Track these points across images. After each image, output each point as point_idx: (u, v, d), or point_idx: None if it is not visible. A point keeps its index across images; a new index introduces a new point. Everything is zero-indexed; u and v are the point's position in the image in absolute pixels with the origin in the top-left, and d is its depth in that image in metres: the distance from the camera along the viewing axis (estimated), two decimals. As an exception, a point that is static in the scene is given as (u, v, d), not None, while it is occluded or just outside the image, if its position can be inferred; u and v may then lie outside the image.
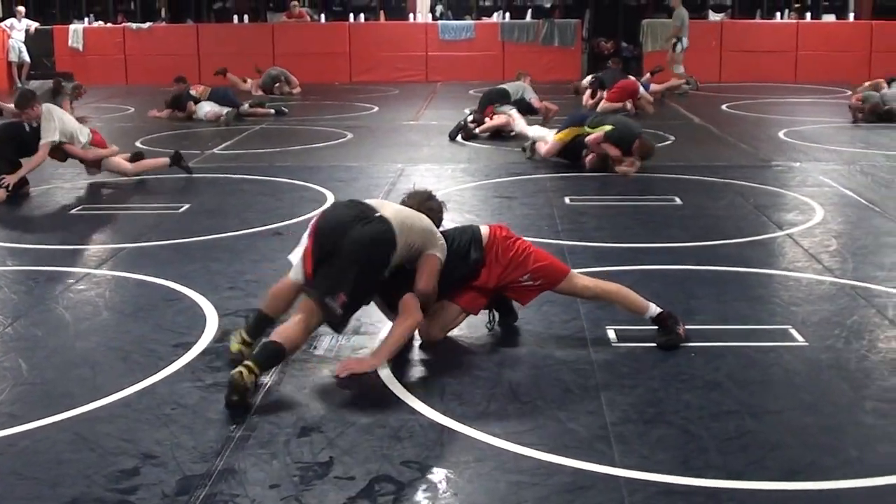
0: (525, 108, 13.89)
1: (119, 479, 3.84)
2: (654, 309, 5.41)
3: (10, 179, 9.45)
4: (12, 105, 15.53)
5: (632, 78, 16.85)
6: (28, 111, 9.70)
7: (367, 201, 5.31)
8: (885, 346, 5.34)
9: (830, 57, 21.76)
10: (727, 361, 5.11)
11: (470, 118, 13.75)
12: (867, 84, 15.76)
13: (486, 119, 13.61)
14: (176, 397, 4.67)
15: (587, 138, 10.71)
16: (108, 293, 6.56)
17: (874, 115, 14.56)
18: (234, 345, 5.12)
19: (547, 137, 11.38)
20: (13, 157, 9.64)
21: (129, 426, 4.35)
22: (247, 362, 4.62)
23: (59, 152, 9.88)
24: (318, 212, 5.33)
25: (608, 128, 10.65)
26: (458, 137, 13.18)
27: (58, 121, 9.76)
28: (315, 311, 4.93)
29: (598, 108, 15.44)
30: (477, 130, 13.27)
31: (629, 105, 15.81)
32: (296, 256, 5.19)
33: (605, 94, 16.22)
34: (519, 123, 12.45)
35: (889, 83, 15.36)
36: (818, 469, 3.94)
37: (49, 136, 9.64)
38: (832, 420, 4.42)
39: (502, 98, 13.99)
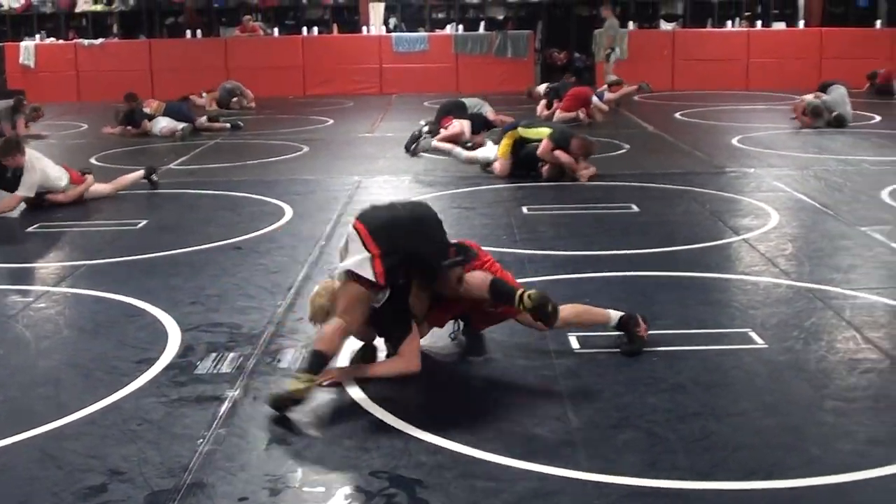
0: (482, 124, 13.87)
1: (87, 496, 3.82)
2: (615, 315, 5.46)
3: None
4: None
5: (586, 87, 17.01)
6: (9, 159, 9.63)
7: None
8: (843, 347, 5.42)
9: (781, 64, 22.01)
10: (690, 365, 5.17)
11: (426, 129, 13.76)
12: (810, 96, 15.91)
13: (442, 130, 13.61)
14: (141, 413, 4.65)
15: (539, 150, 10.78)
16: (67, 311, 6.52)
17: (822, 121, 14.78)
18: (297, 384, 4.65)
19: (491, 156, 11.42)
20: None
21: (95, 443, 4.33)
22: (295, 374, 4.68)
23: (35, 198, 9.85)
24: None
25: (547, 130, 10.80)
26: (413, 148, 13.16)
27: (39, 173, 9.74)
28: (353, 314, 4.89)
29: (555, 118, 15.54)
30: (434, 142, 13.21)
31: (581, 114, 15.91)
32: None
33: (559, 103, 16.35)
34: (464, 154, 12.09)
35: (825, 89, 15.61)
36: (781, 468, 4.00)
37: (25, 190, 9.67)
38: (793, 420, 4.50)
39: (459, 110, 13.99)
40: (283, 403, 4.56)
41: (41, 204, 9.87)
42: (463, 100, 14.30)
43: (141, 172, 10.77)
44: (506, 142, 11.19)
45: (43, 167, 9.87)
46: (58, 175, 10.04)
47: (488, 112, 14.19)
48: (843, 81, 15.89)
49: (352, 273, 4.86)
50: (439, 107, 14.49)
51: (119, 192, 10.50)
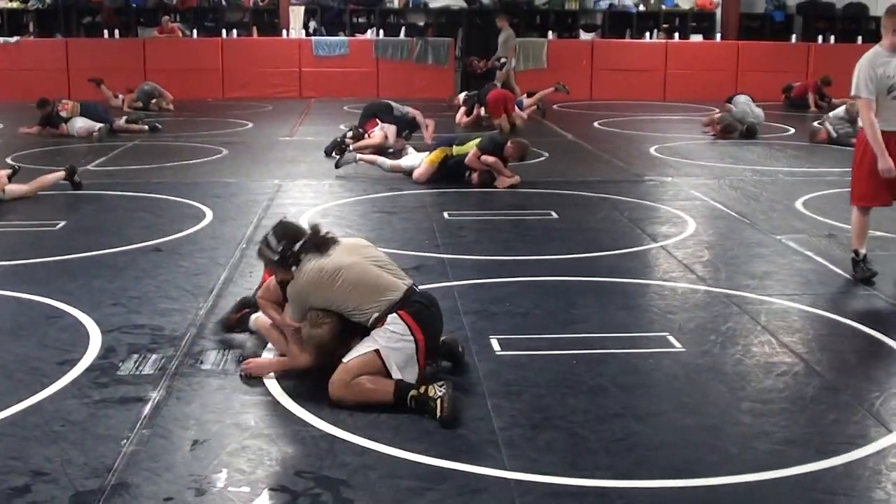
0: (406, 125, 13.96)
1: (10, 497, 3.79)
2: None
3: None
4: None
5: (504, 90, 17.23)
6: None
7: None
8: (759, 350, 5.57)
9: (699, 76, 22.39)
10: (609, 367, 5.27)
11: (349, 134, 13.78)
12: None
13: (367, 134, 13.63)
14: (63, 414, 4.61)
15: (466, 159, 10.88)
16: (-15, 311, 6.42)
17: (736, 133, 15.14)
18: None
19: (415, 164, 11.48)
20: None
21: (17, 444, 4.28)
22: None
23: None
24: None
25: (476, 141, 10.92)
26: (334, 153, 13.15)
27: None
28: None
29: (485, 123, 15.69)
30: (352, 147, 13.17)
31: (504, 122, 15.98)
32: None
33: (481, 110, 16.46)
34: (388, 163, 12.10)
35: (730, 101, 16.00)
36: (701, 466, 4.11)
37: None
38: (712, 420, 4.61)
39: (385, 112, 14.02)
40: None
41: None
42: (389, 102, 14.32)
43: (61, 173, 10.61)
44: (438, 153, 11.24)
45: None
46: None
47: (414, 114, 14.22)
48: (743, 92, 16.39)
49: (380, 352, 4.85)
50: (365, 107, 14.49)
51: (38, 193, 10.34)
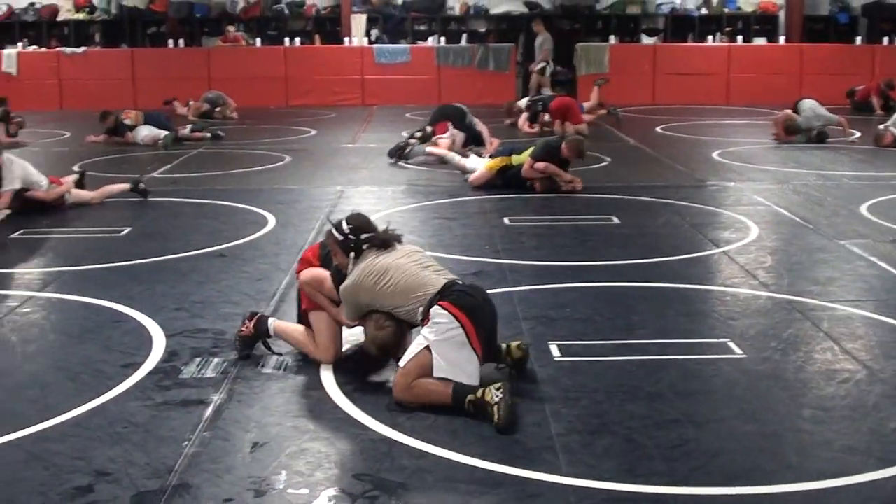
0: (473, 139, 13.86)
1: (74, 497, 3.86)
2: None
3: None
4: None
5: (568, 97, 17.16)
6: None
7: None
8: (821, 357, 5.50)
9: (762, 79, 22.16)
10: (668, 373, 5.24)
11: (417, 133, 13.82)
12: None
13: (435, 138, 13.62)
14: (127, 416, 4.69)
15: (522, 171, 10.86)
16: (53, 316, 6.55)
17: (803, 137, 14.95)
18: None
19: (477, 166, 11.53)
20: None
21: (81, 444, 4.37)
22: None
23: (18, 200, 9.91)
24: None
25: (529, 150, 10.91)
26: (407, 153, 13.23)
27: (20, 169, 9.90)
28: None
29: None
30: (427, 148, 13.22)
31: (559, 130, 15.65)
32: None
33: (545, 116, 16.39)
34: (457, 159, 12.26)
35: (796, 108, 15.73)
36: (759, 474, 4.07)
37: (10, 184, 9.79)
38: (771, 427, 4.57)
39: (458, 118, 13.97)
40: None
41: (25, 202, 9.95)
42: (464, 109, 14.25)
43: (126, 186, 10.78)
44: (496, 162, 11.25)
45: (22, 164, 10.02)
46: (38, 176, 10.15)
47: (482, 129, 14.14)
48: (809, 96, 16.17)
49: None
50: (438, 109, 14.40)
51: (104, 201, 10.53)
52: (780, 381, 5.15)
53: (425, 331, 4.92)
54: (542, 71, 21.25)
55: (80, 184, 10.73)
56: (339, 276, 5.30)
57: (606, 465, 4.15)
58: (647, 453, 4.27)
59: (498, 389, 4.61)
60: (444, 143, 13.49)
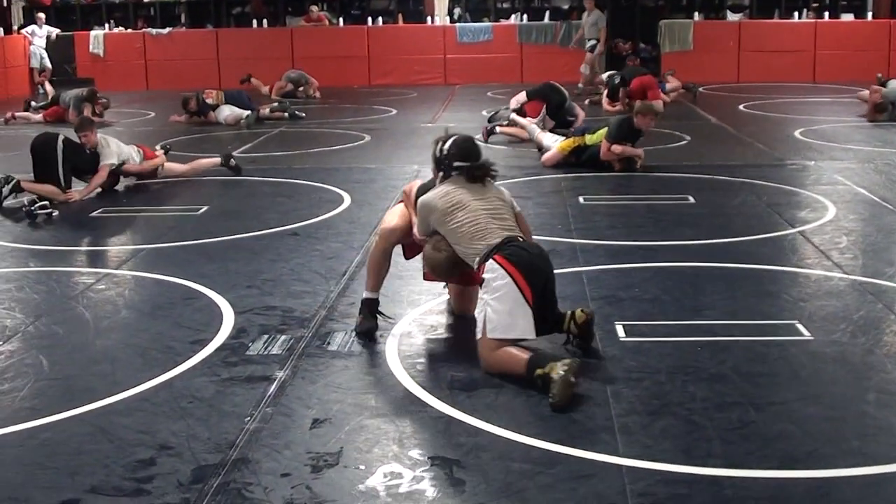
0: (563, 122, 13.57)
1: (136, 469, 3.96)
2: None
3: (77, 196, 9.81)
4: (39, 116, 16.24)
5: (650, 75, 16.90)
6: (86, 135, 10.08)
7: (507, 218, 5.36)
8: (891, 340, 5.42)
9: (849, 56, 21.72)
10: (733, 355, 5.19)
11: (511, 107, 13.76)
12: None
13: (524, 110, 13.47)
14: (192, 391, 4.79)
15: (601, 155, 10.79)
16: (127, 292, 6.70)
17: (886, 115, 14.61)
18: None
19: (551, 144, 11.49)
20: (68, 174, 9.90)
21: (146, 419, 4.47)
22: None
23: (112, 176, 10.27)
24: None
25: (602, 131, 10.86)
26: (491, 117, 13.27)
27: (115, 146, 10.26)
28: None
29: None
30: (513, 115, 13.22)
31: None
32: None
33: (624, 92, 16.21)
34: (537, 132, 12.29)
35: (884, 84, 15.34)
36: (818, 458, 4.02)
37: (109, 159, 10.09)
38: (834, 411, 4.50)
39: (557, 105, 13.61)
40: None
41: (120, 175, 10.37)
42: (565, 95, 13.90)
43: (217, 160, 11.09)
44: (570, 141, 11.20)
45: (116, 142, 10.40)
46: (130, 150, 10.53)
47: (579, 115, 13.89)
48: None
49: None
50: (541, 87, 13.97)
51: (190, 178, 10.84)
52: (846, 364, 5.07)
53: (484, 292, 5.07)
54: (593, 48, 20.69)
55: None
56: (422, 189, 5.54)
57: (663, 446, 4.13)
58: (705, 435, 4.24)
59: (564, 366, 4.61)
60: (530, 126, 13.39)
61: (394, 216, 5.74)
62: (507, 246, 5.08)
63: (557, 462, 4.01)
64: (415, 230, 5.53)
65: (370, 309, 5.67)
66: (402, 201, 5.83)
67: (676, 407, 4.54)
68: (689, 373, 4.95)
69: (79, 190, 9.89)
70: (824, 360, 5.13)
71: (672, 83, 18.10)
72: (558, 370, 4.60)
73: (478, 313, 5.19)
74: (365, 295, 5.70)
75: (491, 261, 5.02)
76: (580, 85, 19.71)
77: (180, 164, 11.07)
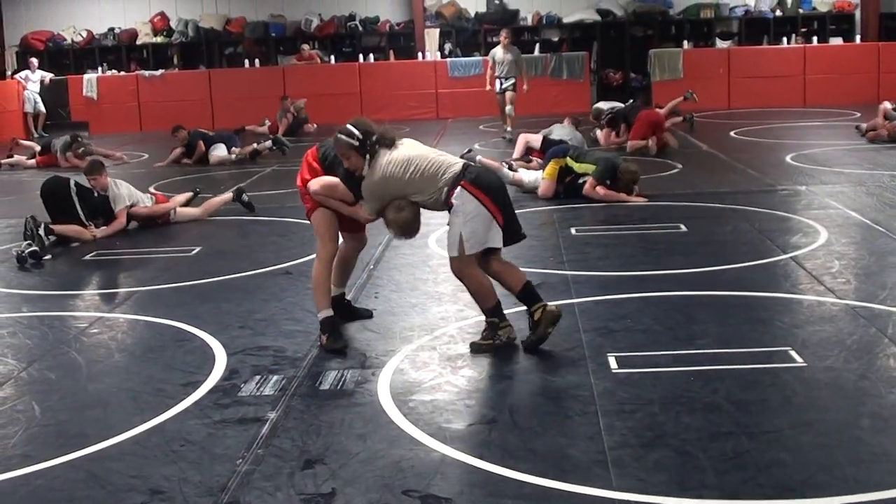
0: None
1: (127, 515, 3.95)
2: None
3: (100, 234, 10.00)
4: (33, 161, 16.35)
5: (656, 109, 16.64)
6: (96, 179, 10.24)
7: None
8: (884, 364, 5.40)
9: (839, 80, 21.82)
10: (726, 384, 5.18)
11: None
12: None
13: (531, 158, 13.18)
14: (184, 434, 4.78)
15: (584, 190, 10.82)
16: (120, 336, 6.69)
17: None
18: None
19: (537, 179, 11.47)
20: (82, 216, 10.02)
21: (138, 463, 4.46)
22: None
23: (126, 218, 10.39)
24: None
25: (591, 168, 10.85)
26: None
27: (125, 188, 10.43)
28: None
29: (628, 147, 15.00)
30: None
31: (651, 143, 14.98)
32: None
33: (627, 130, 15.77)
34: (510, 175, 11.82)
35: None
36: (813, 486, 4.01)
37: (122, 202, 10.27)
38: (828, 438, 4.49)
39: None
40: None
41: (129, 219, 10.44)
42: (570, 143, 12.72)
43: (229, 196, 11.22)
44: (553, 166, 11.23)
45: (126, 184, 10.56)
46: (141, 195, 10.66)
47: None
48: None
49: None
50: (555, 145, 12.59)
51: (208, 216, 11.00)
52: (839, 390, 5.06)
53: (455, 217, 5.74)
54: (514, 87, 18.24)
55: (188, 203, 11.25)
56: (351, 178, 5.96)
57: (657, 479, 4.11)
58: (699, 466, 4.23)
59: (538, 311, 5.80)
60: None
61: (322, 229, 6.25)
62: (468, 172, 5.78)
63: (550, 497, 3.99)
64: (363, 215, 6.05)
65: (332, 326, 6.08)
66: (308, 175, 6.28)
67: (670, 438, 4.53)
68: (683, 403, 4.94)
69: (101, 229, 10.05)
70: (818, 387, 5.13)
71: (661, 110, 17.95)
72: (542, 314, 5.78)
73: (447, 234, 5.87)
74: (323, 315, 6.11)
75: (459, 188, 5.69)
76: (509, 129, 17.85)
77: (194, 207, 11.17)
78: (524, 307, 5.93)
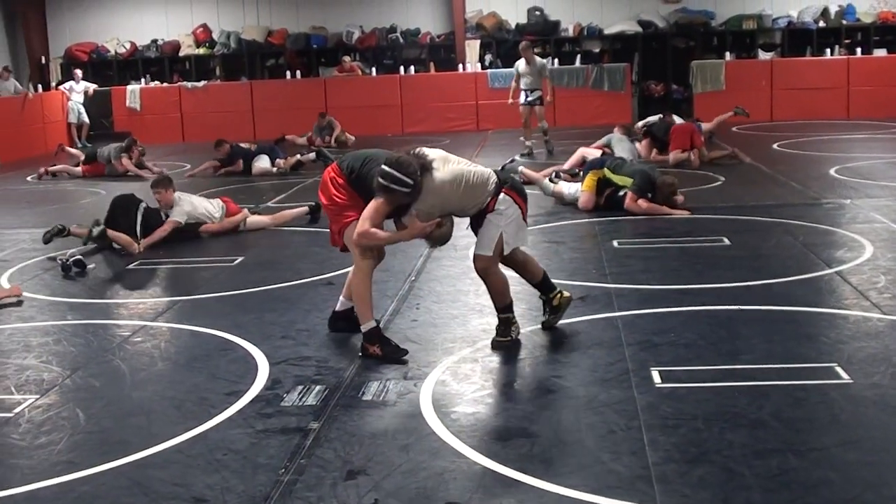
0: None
1: (171, 524, 3.96)
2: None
3: (144, 243, 10.00)
4: (79, 168, 16.51)
5: (687, 123, 16.38)
6: (161, 192, 10.40)
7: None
8: (932, 381, 5.33)
9: (883, 92, 21.59)
10: (772, 400, 5.13)
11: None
12: None
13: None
14: (227, 443, 4.79)
15: (625, 204, 10.79)
16: (163, 344, 6.73)
17: None
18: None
19: (575, 192, 11.45)
20: (137, 233, 10.06)
21: (181, 471, 4.48)
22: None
23: (186, 233, 10.41)
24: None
25: (629, 181, 10.83)
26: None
27: (188, 205, 10.49)
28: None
29: (671, 160, 14.84)
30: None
31: (693, 156, 14.88)
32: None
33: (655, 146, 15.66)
34: (551, 187, 11.94)
35: None
36: (860, 504, 3.96)
37: (176, 217, 10.32)
38: (875, 456, 4.43)
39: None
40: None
41: (196, 235, 10.51)
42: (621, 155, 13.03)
43: (305, 209, 11.33)
44: (591, 178, 11.20)
45: (190, 199, 10.62)
46: (208, 207, 10.70)
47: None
48: None
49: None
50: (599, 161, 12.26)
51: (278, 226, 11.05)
52: (887, 408, 4.99)
53: (495, 218, 6.07)
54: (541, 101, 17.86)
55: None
56: (398, 210, 6.04)
57: (701, 496, 4.08)
58: (744, 483, 4.18)
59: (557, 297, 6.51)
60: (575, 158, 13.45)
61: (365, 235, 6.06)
62: (507, 179, 6.28)
63: (594, 512, 3.97)
64: (415, 222, 6.00)
65: (381, 336, 6.16)
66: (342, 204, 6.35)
67: (715, 454, 4.49)
68: (727, 419, 4.89)
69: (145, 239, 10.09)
70: (864, 404, 5.06)
71: (707, 126, 17.77)
72: (559, 299, 6.55)
73: (483, 233, 6.14)
74: (368, 328, 6.11)
75: (502, 194, 6.07)
76: (546, 138, 17.95)
77: (265, 215, 11.26)
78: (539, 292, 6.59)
